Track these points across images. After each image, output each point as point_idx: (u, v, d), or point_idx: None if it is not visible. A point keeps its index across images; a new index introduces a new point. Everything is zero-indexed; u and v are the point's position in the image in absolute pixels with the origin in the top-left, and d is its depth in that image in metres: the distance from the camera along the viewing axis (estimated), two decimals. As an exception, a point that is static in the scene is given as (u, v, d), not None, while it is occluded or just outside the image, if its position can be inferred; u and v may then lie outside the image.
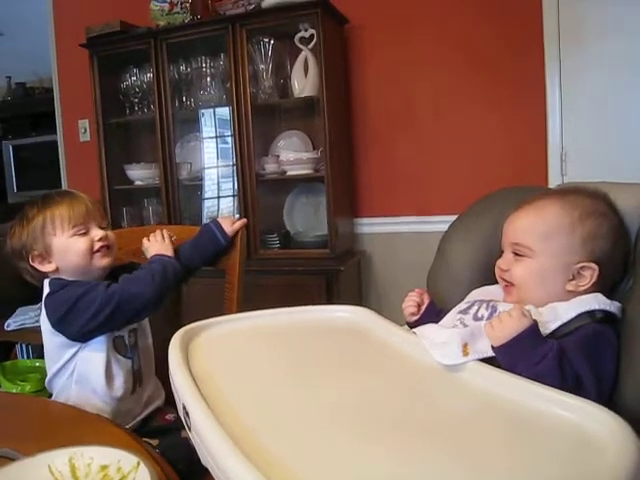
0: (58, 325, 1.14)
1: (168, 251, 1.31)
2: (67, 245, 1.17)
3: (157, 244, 1.33)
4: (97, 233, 1.19)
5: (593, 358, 0.80)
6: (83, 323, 1.11)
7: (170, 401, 1.26)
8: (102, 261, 1.20)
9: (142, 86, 2.95)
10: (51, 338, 1.17)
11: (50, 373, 1.20)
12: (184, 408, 0.68)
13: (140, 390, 1.24)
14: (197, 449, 0.63)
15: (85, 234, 1.18)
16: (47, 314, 1.14)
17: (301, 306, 1.05)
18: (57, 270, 1.18)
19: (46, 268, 1.18)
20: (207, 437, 0.59)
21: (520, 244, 0.95)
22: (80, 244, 1.17)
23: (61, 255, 1.17)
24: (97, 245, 1.18)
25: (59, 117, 3.54)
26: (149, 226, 2.75)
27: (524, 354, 0.79)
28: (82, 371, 1.17)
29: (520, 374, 0.74)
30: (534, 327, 0.82)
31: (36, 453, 0.71)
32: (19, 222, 1.19)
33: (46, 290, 1.17)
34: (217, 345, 0.91)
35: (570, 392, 0.67)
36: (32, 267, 1.18)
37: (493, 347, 0.82)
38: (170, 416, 1.25)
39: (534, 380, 0.71)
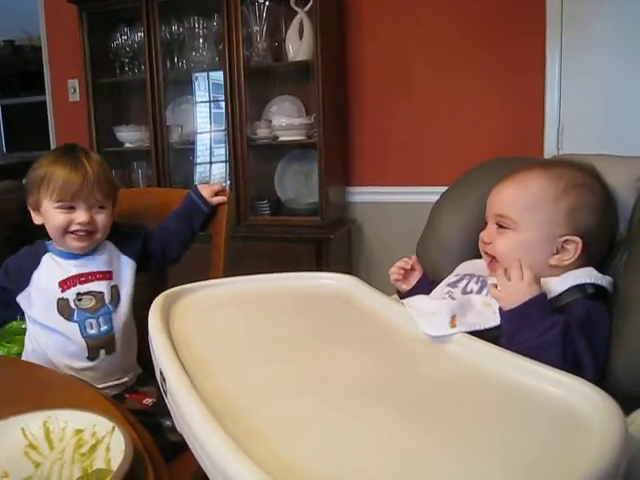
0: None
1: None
2: (49, 213, 1.14)
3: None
4: (80, 216, 1.13)
5: (593, 339, 0.79)
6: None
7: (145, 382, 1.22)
8: (74, 243, 1.15)
9: (133, 46, 2.88)
10: None
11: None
12: (161, 373, 0.66)
13: (101, 360, 1.17)
14: (172, 414, 0.61)
15: (69, 210, 1.13)
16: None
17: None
18: (44, 227, 1.16)
19: (35, 220, 1.18)
20: (181, 402, 0.57)
21: (503, 216, 0.93)
22: (57, 219, 1.13)
23: (44, 218, 1.16)
24: (74, 227, 1.13)
25: (48, 76, 3.45)
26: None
27: (532, 322, 0.78)
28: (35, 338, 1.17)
29: (522, 342, 0.74)
30: (545, 296, 0.81)
31: (9, 416, 0.70)
32: (35, 162, 1.17)
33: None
34: (199, 310, 0.89)
35: (567, 370, 0.65)
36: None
37: (501, 310, 0.81)
38: (148, 400, 1.16)
39: (536, 350, 0.71)
